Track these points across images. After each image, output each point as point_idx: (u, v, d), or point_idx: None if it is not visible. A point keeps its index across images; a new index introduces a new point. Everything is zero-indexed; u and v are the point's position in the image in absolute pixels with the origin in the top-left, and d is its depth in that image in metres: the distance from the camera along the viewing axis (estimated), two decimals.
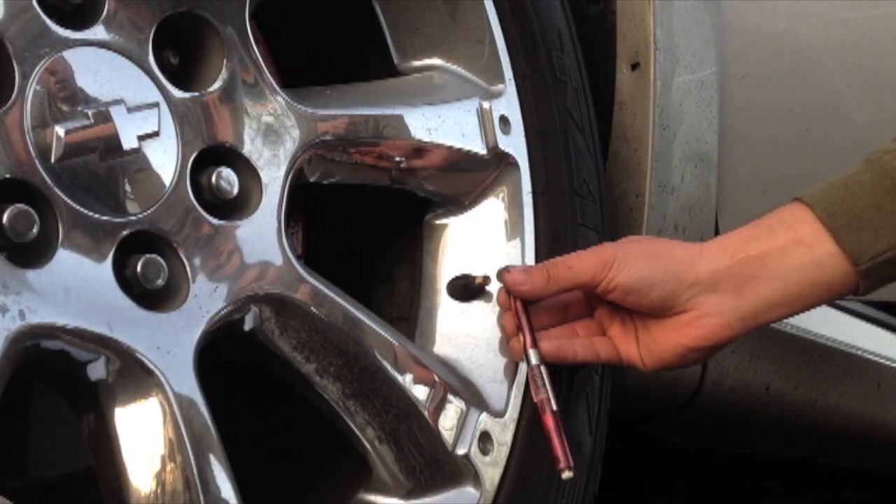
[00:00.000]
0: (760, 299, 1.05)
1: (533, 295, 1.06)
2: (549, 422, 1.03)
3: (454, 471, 1.04)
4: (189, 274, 0.90)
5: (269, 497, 1.11)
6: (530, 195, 1.14)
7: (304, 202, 1.19)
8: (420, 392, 1.02)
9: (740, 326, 1.06)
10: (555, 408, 1.04)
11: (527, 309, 1.06)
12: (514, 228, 1.13)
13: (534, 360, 1.05)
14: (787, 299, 1.05)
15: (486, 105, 1.12)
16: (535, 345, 1.05)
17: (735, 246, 1.06)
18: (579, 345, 1.09)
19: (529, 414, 1.08)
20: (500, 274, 1.07)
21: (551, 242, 1.13)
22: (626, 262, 1.05)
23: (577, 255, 1.08)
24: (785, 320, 1.50)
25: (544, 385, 1.04)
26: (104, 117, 0.86)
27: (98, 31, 0.88)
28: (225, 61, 0.95)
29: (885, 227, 1.03)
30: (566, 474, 1.01)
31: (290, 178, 0.98)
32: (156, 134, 0.89)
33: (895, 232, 1.03)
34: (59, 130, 0.84)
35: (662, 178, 1.28)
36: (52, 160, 0.83)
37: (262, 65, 0.97)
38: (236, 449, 0.91)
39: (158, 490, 0.85)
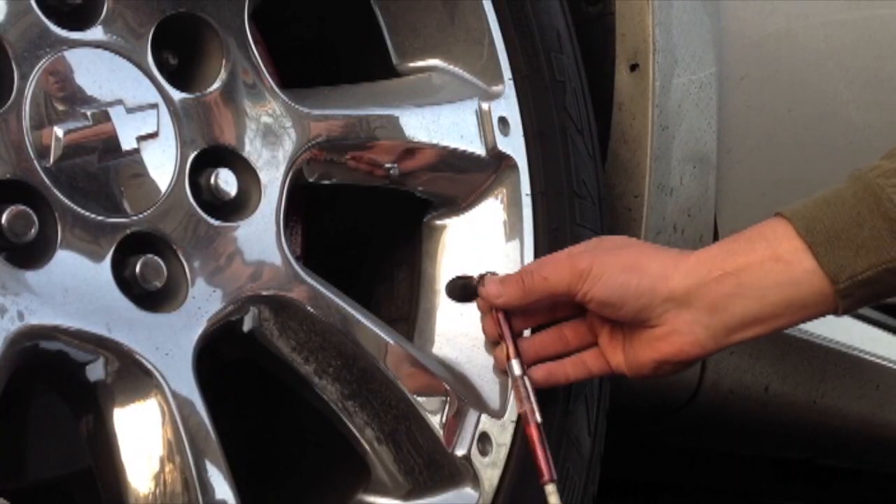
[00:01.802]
0: (735, 318, 1.03)
1: (510, 306, 1.06)
2: (533, 433, 1.03)
3: (453, 472, 1.04)
4: (188, 275, 0.90)
5: (267, 498, 1.11)
6: (529, 196, 1.14)
7: (303, 203, 1.19)
8: (419, 393, 1.02)
9: (712, 344, 1.04)
10: (538, 420, 1.03)
11: (508, 318, 1.06)
12: (513, 229, 1.13)
13: (517, 371, 1.04)
14: (761, 317, 1.03)
15: (485, 106, 1.12)
16: (518, 355, 1.05)
17: (712, 261, 1.04)
18: (570, 365, 1.08)
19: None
20: (478, 284, 1.07)
21: (550, 243, 1.13)
22: (602, 275, 1.03)
23: (553, 263, 1.06)
24: None
25: (528, 397, 1.04)
26: (103, 118, 0.86)
27: (97, 32, 0.88)
28: (224, 62, 0.95)
29: (865, 245, 1.00)
30: (549, 487, 1.01)
31: (289, 179, 0.98)
32: (155, 135, 0.89)
33: (876, 251, 1.00)
34: (58, 131, 0.84)
35: (661, 179, 1.28)
36: (51, 161, 0.83)
37: (261, 66, 0.97)
38: (235, 450, 0.91)
39: (157, 491, 0.85)
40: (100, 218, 0.85)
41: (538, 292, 1.05)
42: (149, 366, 0.86)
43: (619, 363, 1.08)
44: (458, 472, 1.04)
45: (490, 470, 1.05)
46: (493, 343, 1.09)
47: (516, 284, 1.05)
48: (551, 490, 1.00)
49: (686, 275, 1.04)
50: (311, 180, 1.02)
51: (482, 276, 1.07)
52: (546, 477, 1.01)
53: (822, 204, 1.03)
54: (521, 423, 1.07)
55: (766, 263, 1.03)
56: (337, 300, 0.98)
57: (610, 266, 1.04)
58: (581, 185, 1.18)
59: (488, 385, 1.09)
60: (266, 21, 1.08)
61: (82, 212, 0.84)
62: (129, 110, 0.88)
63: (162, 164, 0.90)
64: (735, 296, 1.03)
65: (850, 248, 1.01)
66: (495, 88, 1.14)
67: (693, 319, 1.03)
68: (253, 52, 0.96)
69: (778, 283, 1.02)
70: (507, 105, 1.13)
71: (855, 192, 1.02)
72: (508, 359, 1.05)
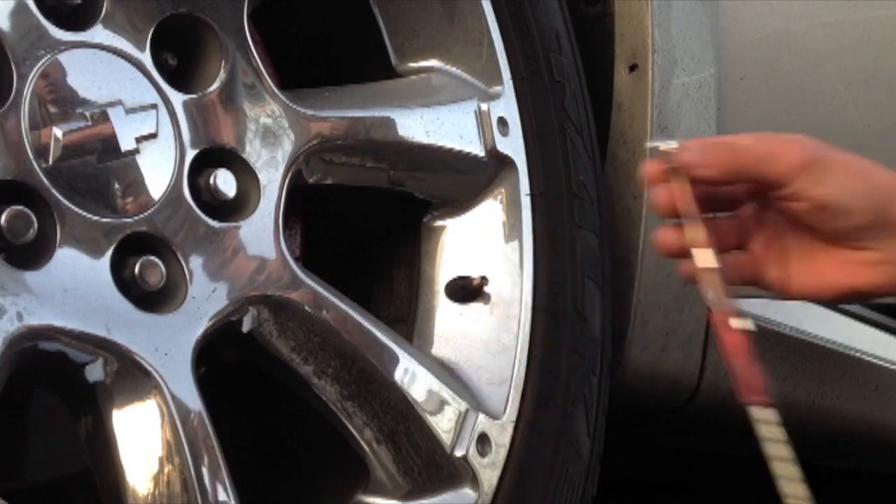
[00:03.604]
0: None
1: (713, 179, 0.90)
2: (736, 341, 0.84)
3: (452, 472, 1.04)
4: (187, 275, 0.90)
5: (267, 498, 1.11)
6: (528, 197, 1.14)
7: (302, 203, 1.19)
8: (418, 393, 1.02)
9: None
10: (741, 325, 0.84)
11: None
12: (512, 230, 1.13)
13: (712, 263, 0.87)
14: None
15: (484, 107, 1.12)
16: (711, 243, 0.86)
17: None
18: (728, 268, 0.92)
19: (527, 415, 1.08)
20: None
21: (549, 244, 1.13)
22: (829, 175, 0.89)
23: (770, 141, 0.90)
24: (782, 321, 1.51)
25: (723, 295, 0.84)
26: (102, 118, 0.86)
27: (96, 33, 0.88)
28: (223, 63, 0.95)
29: None
30: (756, 409, 0.81)
31: (288, 180, 0.98)
32: (154, 135, 0.89)
33: None
34: (57, 132, 0.84)
35: None
36: (50, 161, 0.83)
37: (261, 66, 0.97)
38: (234, 451, 0.91)
39: (156, 492, 0.85)
40: (99, 219, 0.85)
41: (750, 172, 0.89)
42: (148, 366, 0.86)
43: (772, 279, 0.95)
44: (457, 473, 1.04)
45: (489, 471, 1.05)
46: (664, 217, 0.91)
47: (726, 153, 0.90)
48: (762, 416, 0.80)
49: None
50: (310, 181, 1.02)
51: (660, 146, 0.90)
52: (753, 395, 0.82)
53: None
54: (519, 424, 1.07)
55: None
56: (336, 301, 0.98)
57: (837, 166, 0.90)
58: (580, 185, 1.18)
59: (487, 385, 1.09)
60: (266, 21, 1.08)
61: (81, 212, 0.84)
62: (129, 111, 0.88)
63: (161, 164, 0.90)
64: None
65: None
66: (494, 89, 1.14)
67: None
68: (252, 53, 0.96)
69: None
70: (506, 106, 1.13)
71: None
72: (693, 247, 0.88)
